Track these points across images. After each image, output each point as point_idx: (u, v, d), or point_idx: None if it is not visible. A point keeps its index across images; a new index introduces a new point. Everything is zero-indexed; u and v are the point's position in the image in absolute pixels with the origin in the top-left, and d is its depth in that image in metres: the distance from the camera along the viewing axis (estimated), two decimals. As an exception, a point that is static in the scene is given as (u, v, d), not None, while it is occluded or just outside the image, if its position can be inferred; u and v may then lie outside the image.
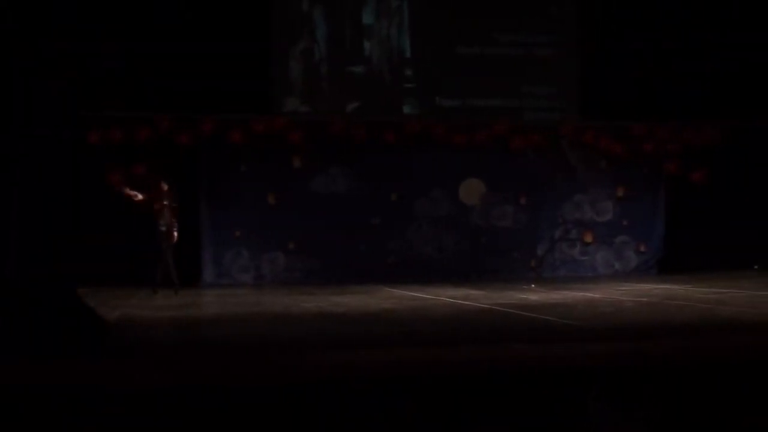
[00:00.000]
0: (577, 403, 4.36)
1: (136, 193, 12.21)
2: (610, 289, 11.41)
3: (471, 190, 14.61)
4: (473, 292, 11.17)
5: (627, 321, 7.55)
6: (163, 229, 12.02)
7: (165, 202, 12.07)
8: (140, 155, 13.59)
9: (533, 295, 10.58)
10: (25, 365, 5.36)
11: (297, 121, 14.19)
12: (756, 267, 14.50)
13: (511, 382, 4.81)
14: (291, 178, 14.25)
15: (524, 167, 14.81)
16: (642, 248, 15.05)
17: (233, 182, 14.04)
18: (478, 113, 14.74)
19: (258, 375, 5.05)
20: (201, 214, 13.98)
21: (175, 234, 12.10)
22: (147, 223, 13.54)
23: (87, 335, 6.02)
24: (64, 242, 12.68)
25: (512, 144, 14.68)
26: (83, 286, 7.96)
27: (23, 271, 6.02)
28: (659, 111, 14.86)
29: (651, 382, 4.79)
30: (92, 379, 5.03)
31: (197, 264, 13.86)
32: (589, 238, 15.02)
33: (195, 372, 5.18)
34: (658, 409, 4.39)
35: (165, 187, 12.15)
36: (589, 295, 10.49)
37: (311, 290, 12.03)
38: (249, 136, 13.94)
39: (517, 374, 4.99)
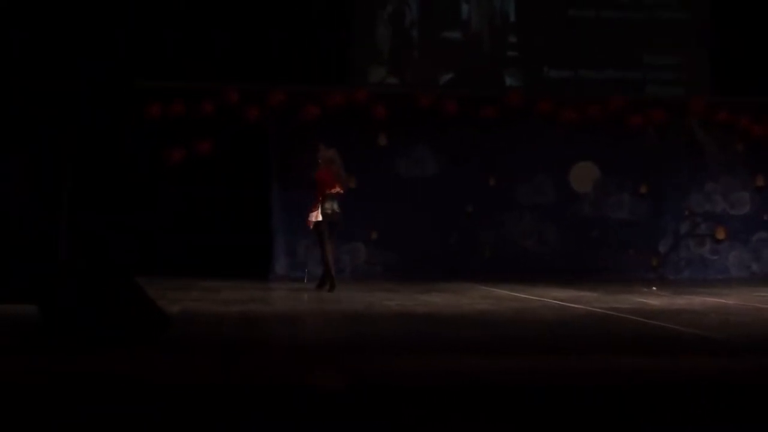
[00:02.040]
0: (709, 426, 4.36)
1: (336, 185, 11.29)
2: (746, 294, 11.31)
3: (583, 176, 14.51)
4: (583, 294, 11.15)
5: (766, 333, 7.54)
6: (331, 211, 11.14)
7: (335, 175, 11.14)
8: (203, 131, 13.84)
9: (654, 300, 10.53)
10: (76, 357, 5.56)
11: (382, 94, 14.27)
12: None
13: (631, 398, 4.79)
14: (374, 159, 14.31)
15: (645, 150, 14.71)
16: (784, 247, 15.11)
17: (308, 161, 13.99)
18: (592, 86, 14.68)
19: (331, 378, 5.15)
20: (272, 198, 14.15)
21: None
22: (211, 207, 13.81)
23: (146, 329, 6.17)
24: (118, 226, 13.03)
25: (631, 122, 14.57)
26: (138, 275, 8.16)
27: (75, 256, 6.20)
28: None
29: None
30: (148, 374, 5.18)
31: (267, 254, 14.03)
32: (721, 235, 14.85)
33: (260, 373, 5.28)
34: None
35: (329, 152, 11.30)
36: (721, 301, 10.44)
37: (394, 287, 12.12)
38: (326, 110, 14.05)
39: (637, 390, 4.97)
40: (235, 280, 12.45)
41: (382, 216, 14.29)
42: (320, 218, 11.16)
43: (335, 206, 11.26)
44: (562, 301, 10.22)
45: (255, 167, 14.11)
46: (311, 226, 11.33)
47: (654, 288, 12.31)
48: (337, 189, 11.28)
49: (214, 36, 13.95)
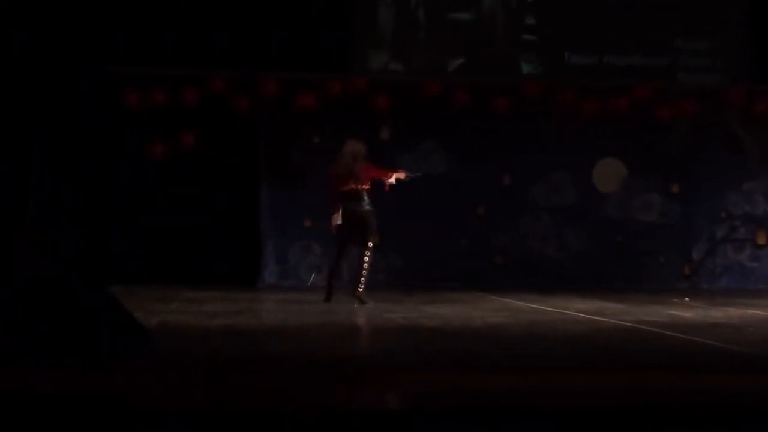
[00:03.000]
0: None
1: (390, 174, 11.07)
2: (790, 306, 11.36)
3: (607, 174, 14.55)
4: (608, 305, 11.17)
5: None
6: (352, 211, 10.82)
7: (363, 170, 10.85)
8: (187, 122, 13.84)
9: (687, 312, 10.55)
10: (43, 373, 5.57)
11: (385, 82, 14.31)
12: None
13: (664, 421, 4.80)
14: (375, 155, 13.98)
15: (677, 145, 14.75)
16: (833, 254, 15.06)
17: (303, 158, 14.20)
18: (618, 74, 14.70)
19: (322, 400, 5.15)
20: (261, 197, 14.18)
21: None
22: (194, 208, 13.76)
23: (120, 343, 6.15)
24: (93, 230, 13.05)
25: (661, 114, 14.58)
26: (113, 284, 8.13)
27: (40, 264, 6.21)
28: None
29: None
30: (119, 394, 5.17)
31: (255, 259, 14.07)
32: (761, 239, 14.90)
33: (245, 393, 5.28)
34: None
35: (358, 145, 11.01)
36: (762, 313, 10.40)
37: (397, 297, 12.15)
38: (323, 100, 14.07)
39: (670, 412, 4.97)
40: (221, 290, 12.46)
41: (385, 218, 14.02)
42: (339, 221, 10.92)
43: (360, 206, 10.89)
44: (585, 313, 10.21)
45: (243, 164, 14.15)
46: (334, 230, 11.08)
47: (687, 299, 12.32)
48: (351, 185, 10.96)
49: (214, 35, 13.96)
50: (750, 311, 10.57)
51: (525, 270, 14.31)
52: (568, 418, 4.81)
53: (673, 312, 10.45)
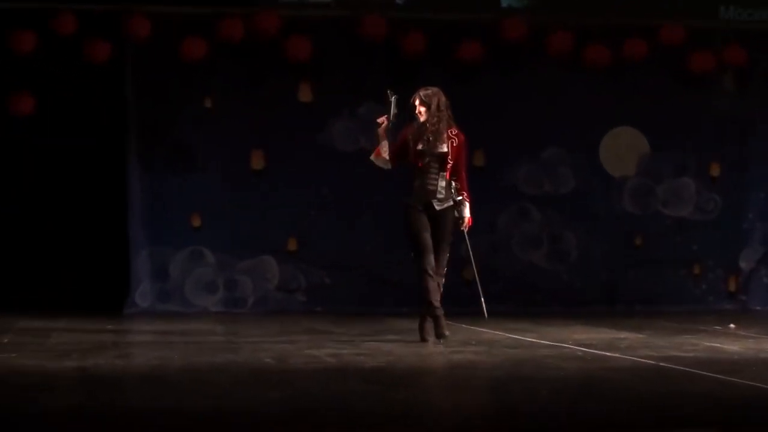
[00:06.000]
0: None
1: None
2: None
3: (620, 150, 14.66)
4: (622, 336, 11.33)
5: None
6: (430, 194, 10.50)
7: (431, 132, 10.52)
8: (22, 79, 13.75)
9: (733, 344, 10.65)
10: None
11: (305, 19, 14.25)
12: None
13: None
14: (292, 123, 14.40)
15: (717, 110, 14.86)
16: None
17: (188, 129, 14.17)
18: (633, 7, 14.70)
19: None
20: (129, 185, 14.18)
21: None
22: (33, 202, 13.48)
23: None
24: None
25: (695, 65, 14.60)
26: None
27: None
28: None
29: None
30: None
31: (123, 274, 14.10)
32: (837, 243, 14.78)
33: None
34: None
35: (432, 90, 10.70)
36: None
37: (324, 325, 12.31)
38: (216, 46, 13.99)
39: None
40: (73, 318, 12.49)
41: (306, 214, 14.30)
42: (408, 206, 10.58)
43: (444, 187, 10.53)
44: (588, 347, 10.31)
45: (104, 138, 14.12)
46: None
47: (732, 325, 12.41)
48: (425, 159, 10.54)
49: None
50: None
51: (506, 286, 14.33)
52: None
53: (712, 344, 10.59)
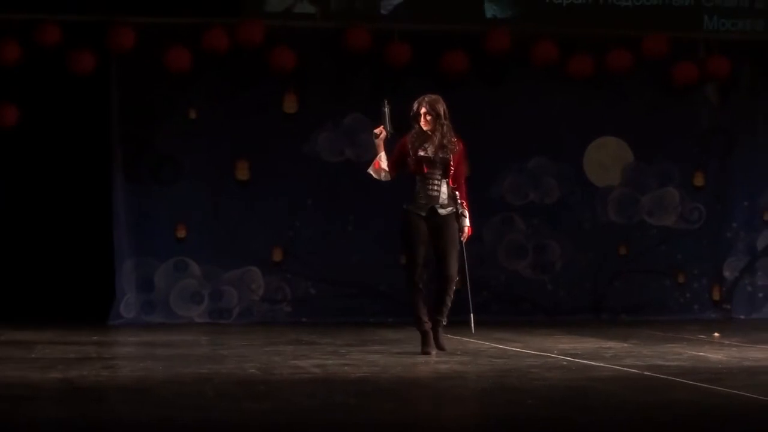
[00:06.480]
0: None
1: None
2: None
3: (604, 160, 14.66)
4: (607, 345, 11.37)
5: None
6: (430, 203, 10.47)
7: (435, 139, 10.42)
8: (6, 90, 13.70)
9: (716, 352, 10.73)
10: None
11: (290, 30, 14.21)
12: None
13: None
14: (277, 133, 14.40)
15: (700, 118, 14.90)
16: None
17: (173, 139, 14.15)
18: (617, 18, 14.67)
19: None
20: (115, 196, 14.15)
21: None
22: (18, 211, 13.46)
23: None
24: None
25: (678, 75, 14.57)
26: None
27: None
28: None
29: None
30: None
31: (108, 285, 14.07)
32: (822, 252, 14.83)
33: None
34: None
35: (433, 98, 10.60)
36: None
37: (310, 336, 12.31)
38: (201, 56, 13.95)
39: None
40: (58, 329, 12.46)
41: (291, 224, 14.30)
42: (409, 213, 10.55)
43: (446, 193, 10.51)
44: (573, 356, 10.35)
45: (88, 149, 14.13)
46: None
47: (716, 334, 12.46)
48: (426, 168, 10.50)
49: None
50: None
51: (491, 295, 14.41)
52: None
53: (696, 353, 10.64)
